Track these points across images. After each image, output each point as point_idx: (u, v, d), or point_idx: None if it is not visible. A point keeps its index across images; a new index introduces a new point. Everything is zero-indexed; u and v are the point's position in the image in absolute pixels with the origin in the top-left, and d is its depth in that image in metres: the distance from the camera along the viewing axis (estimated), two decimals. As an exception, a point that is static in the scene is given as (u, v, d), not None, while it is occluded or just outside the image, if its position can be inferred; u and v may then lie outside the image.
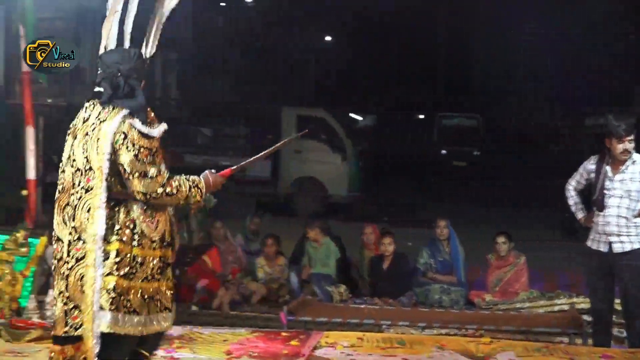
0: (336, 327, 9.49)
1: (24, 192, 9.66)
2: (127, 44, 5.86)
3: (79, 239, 5.49)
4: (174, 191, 5.58)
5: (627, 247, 8.53)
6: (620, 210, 8.57)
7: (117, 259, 5.47)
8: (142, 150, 5.49)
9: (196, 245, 12.45)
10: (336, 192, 22.39)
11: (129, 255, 5.51)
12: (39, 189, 9.82)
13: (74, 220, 5.50)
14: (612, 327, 9.19)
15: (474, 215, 22.70)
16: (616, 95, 35.02)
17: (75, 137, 5.65)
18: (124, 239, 5.50)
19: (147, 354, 5.73)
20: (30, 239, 8.60)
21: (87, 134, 5.57)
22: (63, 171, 5.66)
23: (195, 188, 5.70)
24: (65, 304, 5.50)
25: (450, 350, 7.86)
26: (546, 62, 42.77)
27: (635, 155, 8.66)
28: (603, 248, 8.65)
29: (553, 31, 39.74)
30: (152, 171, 5.51)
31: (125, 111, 5.52)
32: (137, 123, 5.51)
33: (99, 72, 5.70)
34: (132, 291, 5.51)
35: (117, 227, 5.51)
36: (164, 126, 5.71)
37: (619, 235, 8.56)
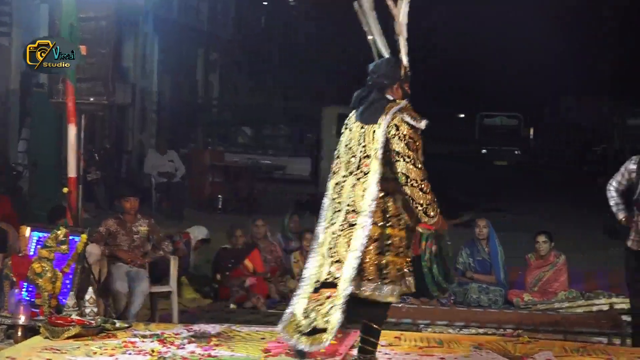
0: (374, 326, 9.48)
1: (65, 190, 9.70)
2: (386, 54, 7.02)
3: (354, 210, 6.67)
4: (426, 189, 6.63)
5: None
6: None
7: (388, 242, 6.68)
8: (410, 140, 6.60)
9: (237, 249, 12.36)
10: (377, 190, 22.26)
11: (397, 238, 6.71)
12: (79, 187, 9.87)
13: (352, 195, 6.71)
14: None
15: (515, 214, 22.60)
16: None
17: (350, 130, 6.95)
18: (395, 226, 6.71)
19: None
20: (71, 237, 8.64)
21: (362, 127, 6.81)
22: (338, 157, 6.97)
23: (434, 206, 6.68)
24: (331, 257, 6.73)
25: (488, 350, 7.82)
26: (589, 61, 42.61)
27: None
28: None
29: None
30: (419, 163, 6.60)
31: (397, 108, 6.67)
32: (406, 117, 6.62)
33: (367, 78, 6.95)
34: (391, 266, 6.70)
35: (387, 215, 6.69)
36: (426, 121, 6.70)
37: None
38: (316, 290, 6.80)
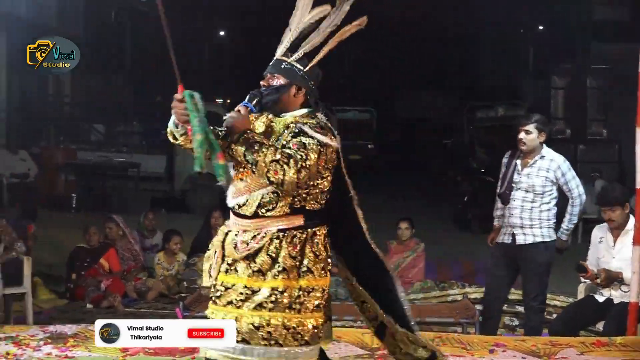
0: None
1: None
2: None
3: None
4: None
5: (529, 240, 8.64)
6: (525, 204, 8.66)
7: None
8: None
9: (93, 248, 12.14)
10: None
11: None
12: None
13: None
14: (501, 316, 9.43)
15: (369, 207, 22.84)
16: (504, 89, 35.72)
17: None
18: None
19: None
20: None
21: None
22: None
23: None
24: None
25: (346, 342, 7.91)
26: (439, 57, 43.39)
27: (545, 150, 8.68)
28: (507, 240, 8.80)
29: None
30: None
31: None
32: None
33: None
34: None
35: None
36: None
37: (522, 227, 8.66)
38: None
